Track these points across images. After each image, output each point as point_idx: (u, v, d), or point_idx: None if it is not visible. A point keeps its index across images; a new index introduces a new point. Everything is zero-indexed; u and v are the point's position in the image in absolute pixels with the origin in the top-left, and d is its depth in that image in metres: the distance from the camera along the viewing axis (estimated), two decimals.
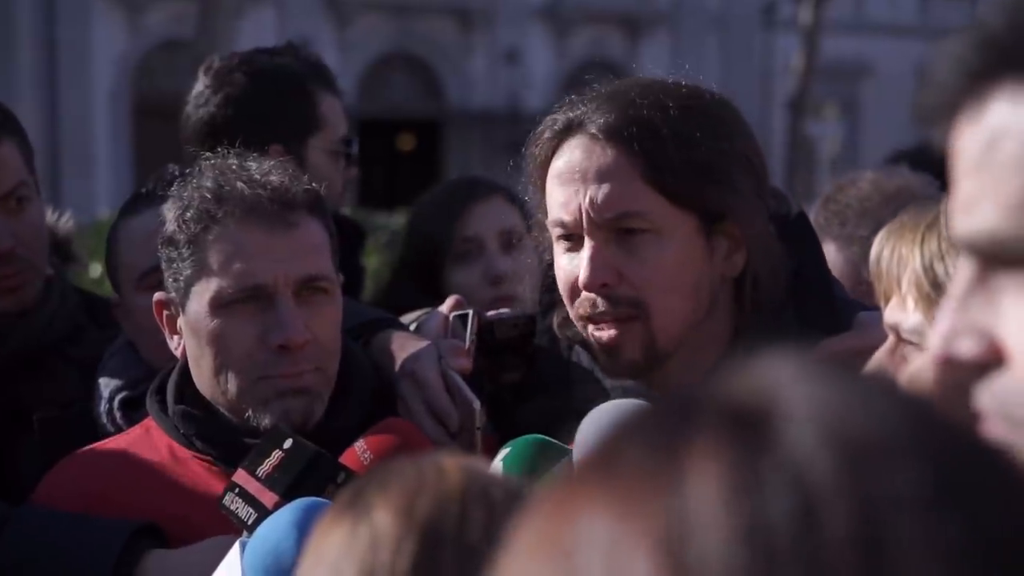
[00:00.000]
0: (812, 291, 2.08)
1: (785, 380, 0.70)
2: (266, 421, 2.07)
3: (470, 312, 2.31)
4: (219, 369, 2.10)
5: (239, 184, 2.08)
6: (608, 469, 0.69)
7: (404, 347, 2.24)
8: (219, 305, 2.08)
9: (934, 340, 0.95)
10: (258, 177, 2.10)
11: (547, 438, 1.84)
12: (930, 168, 4.10)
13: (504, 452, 1.82)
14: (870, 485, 0.64)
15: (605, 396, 2.06)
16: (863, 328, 2.03)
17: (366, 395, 2.18)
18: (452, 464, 1.16)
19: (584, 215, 1.97)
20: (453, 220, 3.04)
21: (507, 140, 27.78)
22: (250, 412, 2.09)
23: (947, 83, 0.92)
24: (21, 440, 2.54)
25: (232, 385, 2.09)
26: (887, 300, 1.75)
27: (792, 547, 0.63)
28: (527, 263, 2.71)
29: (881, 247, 1.75)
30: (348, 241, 2.31)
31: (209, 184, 2.10)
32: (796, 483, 0.64)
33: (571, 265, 2.02)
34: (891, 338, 1.75)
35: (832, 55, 26.11)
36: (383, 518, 1.11)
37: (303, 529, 1.70)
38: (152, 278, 2.60)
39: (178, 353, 2.19)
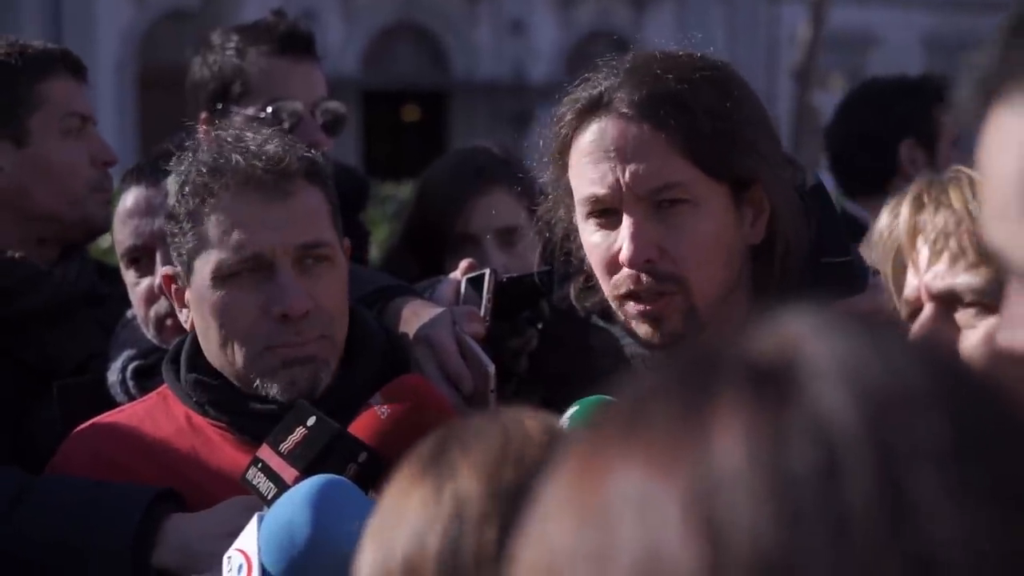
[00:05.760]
0: (831, 255, 2.10)
1: (808, 334, 0.70)
2: (274, 391, 2.09)
3: (486, 272, 2.31)
4: (225, 341, 2.12)
5: (235, 156, 2.10)
6: (635, 426, 0.70)
7: (418, 314, 2.25)
8: (220, 277, 2.10)
9: (1005, 332, 0.95)
10: (254, 148, 2.11)
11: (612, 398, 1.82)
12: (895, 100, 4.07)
13: (572, 411, 1.80)
14: (893, 437, 0.65)
15: (625, 364, 2.07)
16: (878, 291, 2.04)
17: (376, 361, 2.18)
18: (535, 426, 1.13)
19: (624, 189, 1.98)
20: (453, 214, 3.02)
21: (512, 111, 27.71)
22: (258, 382, 2.10)
23: (968, 100, 0.93)
24: (39, 406, 2.55)
25: (239, 356, 2.11)
26: (902, 269, 1.73)
27: (817, 500, 0.63)
28: (526, 257, 2.71)
29: (892, 218, 1.73)
30: (347, 199, 2.28)
31: (205, 158, 2.12)
32: (820, 437, 0.65)
33: (607, 242, 2.02)
34: (931, 307, 1.73)
35: (838, 25, 25.97)
36: (468, 484, 1.08)
37: (317, 506, 1.70)
38: (129, 256, 2.63)
39: (187, 325, 2.21)
